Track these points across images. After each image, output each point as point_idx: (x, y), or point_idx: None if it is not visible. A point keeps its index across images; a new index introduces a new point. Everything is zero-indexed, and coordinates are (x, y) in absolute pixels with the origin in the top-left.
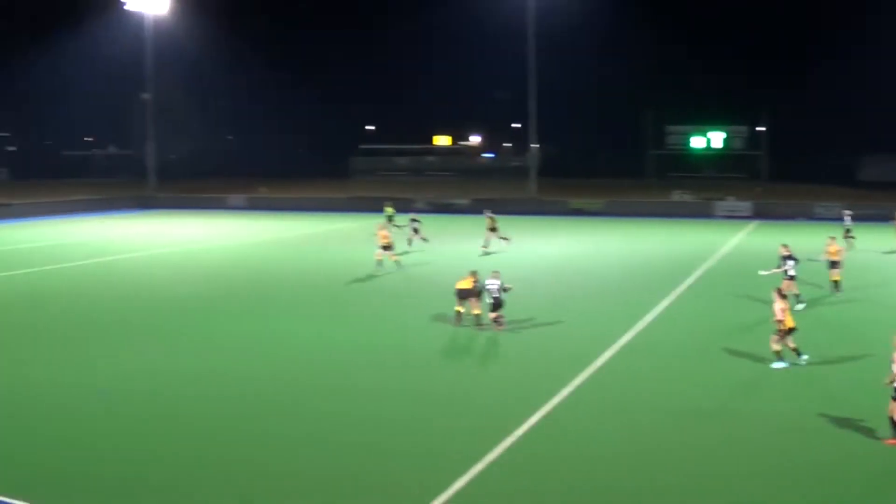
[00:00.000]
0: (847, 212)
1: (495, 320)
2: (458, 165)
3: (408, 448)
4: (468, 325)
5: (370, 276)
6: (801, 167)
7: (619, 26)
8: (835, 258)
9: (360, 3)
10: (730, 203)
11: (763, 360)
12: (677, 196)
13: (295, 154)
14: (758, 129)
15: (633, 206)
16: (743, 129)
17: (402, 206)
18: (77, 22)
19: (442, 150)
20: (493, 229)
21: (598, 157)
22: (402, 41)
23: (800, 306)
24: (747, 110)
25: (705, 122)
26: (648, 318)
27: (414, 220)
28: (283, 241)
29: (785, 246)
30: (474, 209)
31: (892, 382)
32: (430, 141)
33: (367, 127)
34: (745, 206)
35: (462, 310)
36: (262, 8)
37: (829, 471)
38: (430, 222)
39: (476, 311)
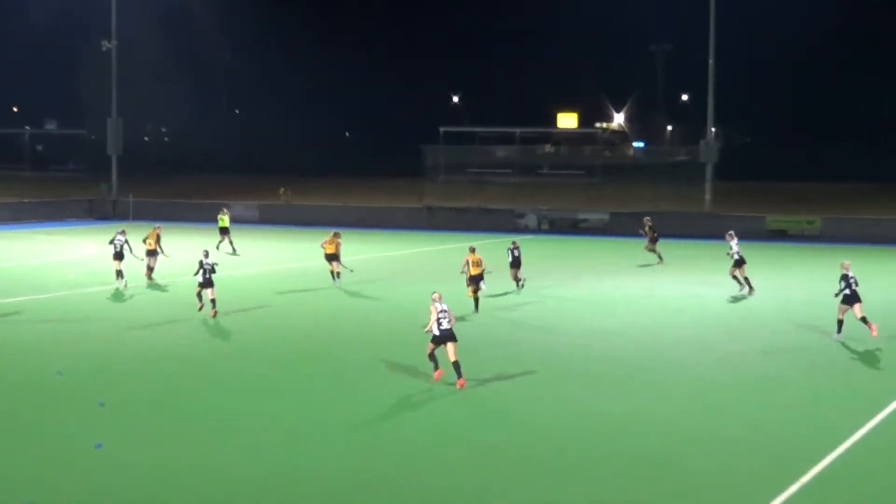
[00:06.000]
0: None
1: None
2: (591, 160)
3: None
4: None
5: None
6: None
7: None
8: None
9: None
10: None
11: None
12: None
13: (336, 141)
14: None
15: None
16: None
17: (503, 222)
18: None
19: (567, 136)
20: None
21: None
22: None
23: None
24: None
25: None
26: None
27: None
28: (310, 274)
29: None
30: (617, 229)
31: (429, 330)
32: (550, 122)
33: (452, 98)
34: None
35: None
36: None
37: None
38: (543, 247)
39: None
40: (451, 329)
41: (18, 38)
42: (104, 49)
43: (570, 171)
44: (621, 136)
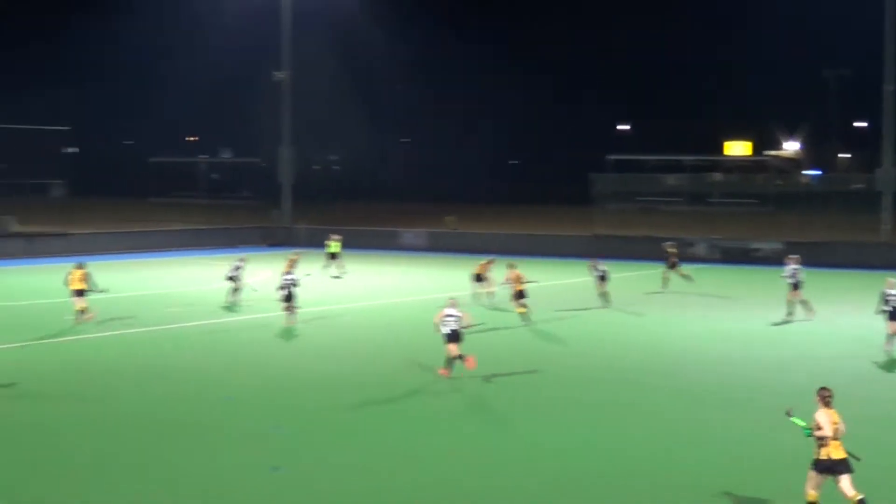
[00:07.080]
0: None
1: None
2: (763, 189)
3: None
4: None
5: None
6: None
7: None
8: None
9: None
10: None
11: None
12: None
13: (503, 169)
14: None
15: None
16: None
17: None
18: None
19: (738, 164)
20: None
21: None
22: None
23: None
24: None
25: None
26: None
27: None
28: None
29: None
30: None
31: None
32: (720, 150)
33: (619, 126)
34: None
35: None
36: None
37: None
38: (714, 276)
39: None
40: (457, 331)
41: (196, 70)
42: (276, 79)
43: (741, 200)
44: (794, 164)
